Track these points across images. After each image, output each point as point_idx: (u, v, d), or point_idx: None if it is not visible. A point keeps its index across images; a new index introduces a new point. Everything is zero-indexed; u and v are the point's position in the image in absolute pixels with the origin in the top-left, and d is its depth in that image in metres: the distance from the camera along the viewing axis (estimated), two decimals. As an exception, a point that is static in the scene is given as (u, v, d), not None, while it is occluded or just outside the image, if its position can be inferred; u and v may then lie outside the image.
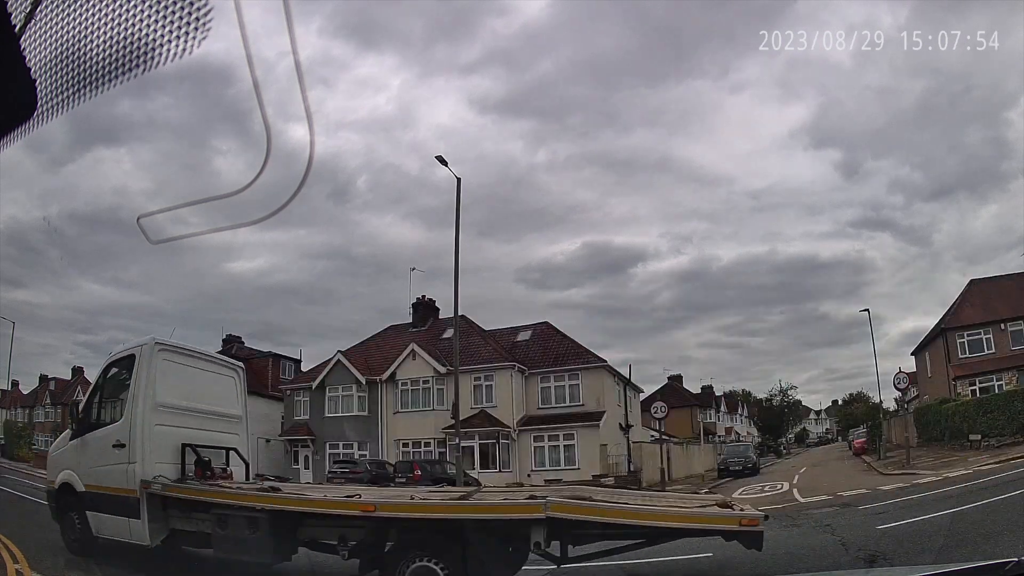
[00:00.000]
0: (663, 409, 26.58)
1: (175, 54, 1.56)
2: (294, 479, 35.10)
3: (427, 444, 32.78)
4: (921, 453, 29.04)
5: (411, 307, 39.05)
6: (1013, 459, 19.56)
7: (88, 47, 1.66)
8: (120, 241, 76.98)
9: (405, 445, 33.24)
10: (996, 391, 31.43)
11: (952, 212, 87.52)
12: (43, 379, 59.55)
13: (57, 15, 1.69)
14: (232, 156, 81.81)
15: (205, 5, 1.51)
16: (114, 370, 9.67)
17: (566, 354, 33.73)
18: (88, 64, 1.67)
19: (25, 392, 59.25)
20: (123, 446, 8.66)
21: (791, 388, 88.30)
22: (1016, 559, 2.42)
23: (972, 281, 39.25)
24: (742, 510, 6.39)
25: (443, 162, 23.02)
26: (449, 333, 31.01)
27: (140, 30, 1.58)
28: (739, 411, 77.75)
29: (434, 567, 6.51)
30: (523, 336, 36.11)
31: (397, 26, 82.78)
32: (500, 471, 30.84)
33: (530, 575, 9.87)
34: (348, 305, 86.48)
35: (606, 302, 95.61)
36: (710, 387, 69.98)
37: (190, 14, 1.52)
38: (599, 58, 77.98)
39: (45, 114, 1.70)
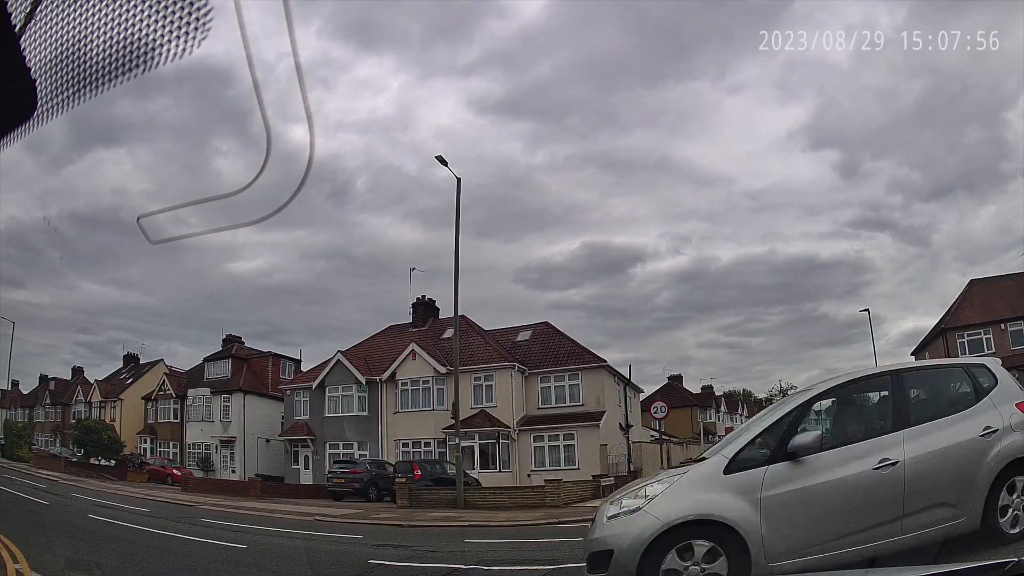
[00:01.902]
0: (663, 409, 26.59)
1: (175, 54, 1.56)
2: (294, 479, 35.18)
3: (427, 444, 32.79)
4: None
5: (411, 307, 39.10)
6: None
7: (88, 47, 1.66)
8: (120, 241, 77.00)
9: (405, 445, 33.25)
10: (996, 391, 31.45)
11: (951, 212, 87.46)
12: (43, 379, 59.51)
13: (57, 15, 1.69)
14: (232, 156, 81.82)
15: (205, 5, 1.51)
16: None
17: (566, 354, 33.74)
18: (88, 64, 1.67)
19: (25, 392, 59.24)
20: None
21: (791, 388, 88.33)
22: (1016, 559, 2.42)
23: (972, 281, 39.29)
24: None
25: (443, 162, 23.05)
26: (449, 333, 31.02)
27: (140, 30, 1.58)
28: (739, 411, 77.75)
29: None
30: (523, 336, 36.12)
31: (396, 28, 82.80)
32: (500, 471, 30.86)
33: (530, 575, 9.88)
34: (348, 305, 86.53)
35: (606, 302, 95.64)
36: (710, 387, 70.01)
37: (190, 14, 1.52)
38: (598, 59, 77.99)
39: (45, 114, 1.70)
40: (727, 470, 5.46)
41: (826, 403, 6.40)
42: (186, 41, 1.54)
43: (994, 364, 6.48)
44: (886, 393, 6.11)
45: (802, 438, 5.48)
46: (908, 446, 5.50)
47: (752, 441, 5.77)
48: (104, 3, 1.62)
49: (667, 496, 5.50)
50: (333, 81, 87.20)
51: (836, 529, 5.29)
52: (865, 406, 6.48)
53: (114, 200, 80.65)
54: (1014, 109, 66.58)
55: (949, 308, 39.69)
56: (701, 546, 5.19)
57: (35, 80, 1.55)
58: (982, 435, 5.72)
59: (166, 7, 1.54)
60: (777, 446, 5.52)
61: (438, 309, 38.69)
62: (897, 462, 5.39)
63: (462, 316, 27.71)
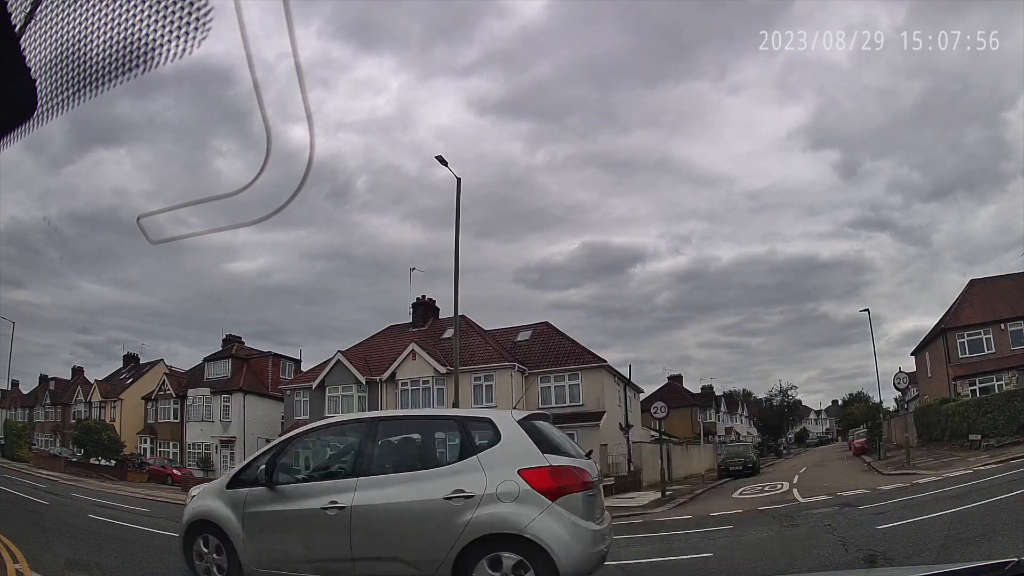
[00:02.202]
0: (663, 409, 26.54)
1: (175, 54, 1.56)
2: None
3: (427, 444, 32.77)
4: (921, 453, 29.05)
5: (411, 307, 39.07)
6: (1013, 459, 19.56)
7: (88, 47, 1.66)
8: (120, 241, 77.09)
9: (405, 445, 33.27)
10: (996, 391, 31.45)
11: (951, 212, 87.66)
12: (43, 379, 59.49)
13: (57, 15, 1.69)
14: (232, 156, 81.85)
15: (205, 5, 1.51)
16: None
17: (566, 354, 33.72)
18: (88, 64, 1.67)
19: (25, 392, 59.21)
20: None
21: (791, 388, 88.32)
22: (1016, 559, 2.41)
23: (972, 281, 39.28)
24: None
25: (443, 162, 23.01)
26: (449, 333, 31.01)
27: (140, 30, 1.58)
28: (739, 411, 77.74)
29: None
30: (523, 336, 36.10)
31: (396, 28, 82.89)
32: (500, 471, 30.83)
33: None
34: (348, 305, 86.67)
35: (606, 302, 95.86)
36: (710, 387, 70.02)
37: (190, 14, 1.52)
38: (598, 59, 78.09)
39: (45, 114, 1.70)
40: (228, 485, 6.44)
41: (317, 439, 7.12)
42: (186, 41, 1.54)
43: (503, 420, 5.81)
44: (359, 438, 6.25)
45: (259, 471, 6.29)
46: (359, 494, 5.69)
47: (249, 465, 6.59)
48: (104, 3, 1.62)
49: (197, 497, 6.83)
50: (333, 81, 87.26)
51: (300, 554, 5.90)
52: (343, 449, 6.75)
53: (114, 200, 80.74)
54: (1014, 109, 66.63)
55: (949, 308, 39.69)
56: (214, 541, 6.28)
57: (35, 80, 1.55)
58: (448, 498, 5.31)
59: (166, 7, 1.54)
60: (256, 473, 6.33)
61: (438, 309, 38.67)
62: (344, 507, 5.66)
63: (462, 316, 27.69)
